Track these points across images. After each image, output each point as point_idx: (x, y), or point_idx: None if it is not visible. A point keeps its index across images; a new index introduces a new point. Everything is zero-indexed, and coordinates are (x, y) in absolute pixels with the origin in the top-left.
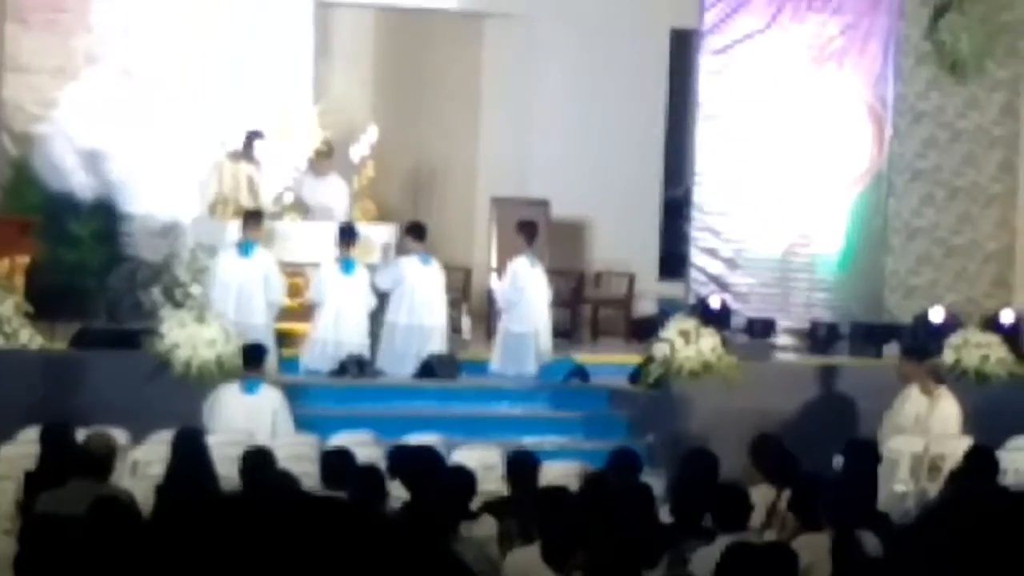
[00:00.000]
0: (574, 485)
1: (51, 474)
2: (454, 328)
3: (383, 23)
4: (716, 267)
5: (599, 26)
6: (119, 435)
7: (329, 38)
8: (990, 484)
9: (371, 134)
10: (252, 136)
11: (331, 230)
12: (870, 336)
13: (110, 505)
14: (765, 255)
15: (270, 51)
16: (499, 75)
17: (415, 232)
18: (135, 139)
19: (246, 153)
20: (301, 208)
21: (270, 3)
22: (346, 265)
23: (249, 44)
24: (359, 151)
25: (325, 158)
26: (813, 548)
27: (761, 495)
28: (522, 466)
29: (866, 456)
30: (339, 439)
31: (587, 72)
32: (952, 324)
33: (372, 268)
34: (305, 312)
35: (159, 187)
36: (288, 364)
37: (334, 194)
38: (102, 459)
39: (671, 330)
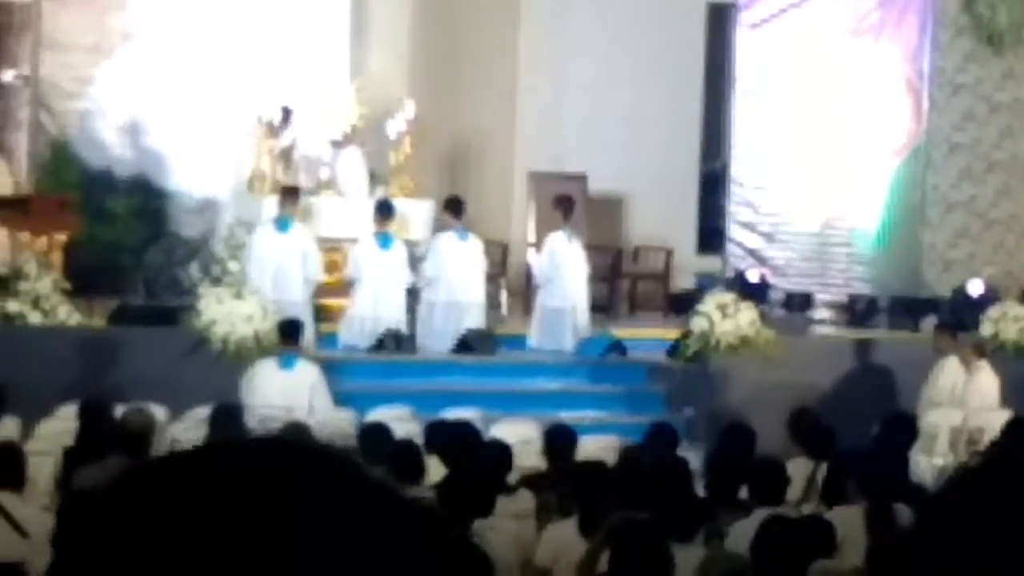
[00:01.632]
0: (611, 459)
1: (89, 450)
2: (492, 303)
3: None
4: (754, 241)
5: (636, 1)
6: (157, 411)
7: (365, 14)
8: None
9: (408, 110)
10: (288, 112)
11: (368, 206)
12: (908, 310)
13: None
14: (803, 229)
15: (306, 27)
16: (535, 49)
17: (453, 207)
18: (172, 116)
19: (282, 128)
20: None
21: None
22: (383, 240)
23: (285, 19)
24: (396, 127)
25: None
26: (848, 521)
27: (798, 468)
28: (560, 441)
29: (903, 429)
30: (377, 414)
31: (624, 47)
32: (990, 297)
33: (410, 243)
34: (342, 288)
35: (196, 164)
36: (326, 340)
37: (352, 166)
38: (141, 435)
39: (709, 304)
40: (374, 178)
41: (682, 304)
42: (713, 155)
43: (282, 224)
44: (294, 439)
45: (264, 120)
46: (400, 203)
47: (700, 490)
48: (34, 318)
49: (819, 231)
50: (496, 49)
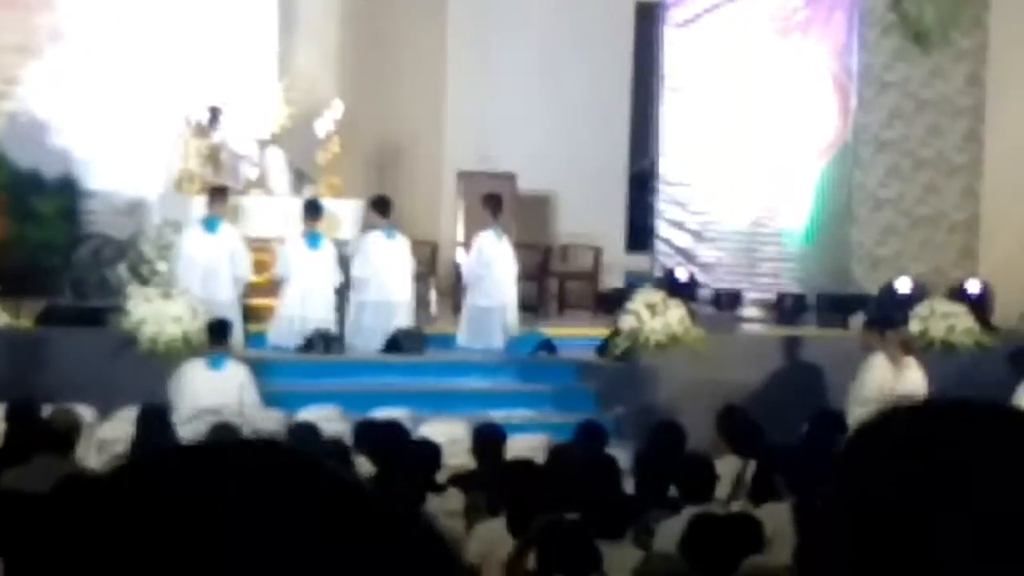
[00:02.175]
0: (541, 458)
1: (16, 451)
2: (421, 303)
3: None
4: (683, 239)
5: (563, 0)
6: (86, 412)
7: (293, 12)
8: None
9: (336, 109)
10: (216, 111)
11: (296, 205)
12: (836, 307)
13: (76, 481)
14: (731, 227)
15: (234, 25)
16: (464, 49)
17: (380, 206)
18: (99, 116)
19: (211, 128)
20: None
21: None
22: (312, 240)
23: (213, 18)
24: (324, 126)
25: None
26: (777, 517)
27: (727, 466)
28: (488, 439)
29: (832, 426)
30: (306, 414)
31: (552, 45)
32: (918, 294)
33: (338, 243)
34: (271, 288)
35: (124, 164)
36: (255, 339)
37: (278, 166)
38: (66, 435)
39: (638, 302)
40: (302, 177)
41: (611, 302)
42: (641, 153)
43: (210, 224)
44: (222, 439)
45: (192, 120)
46: (328, 202)
47: (630, 488)
48: None
49: (748, 229)
50: (424, 48)
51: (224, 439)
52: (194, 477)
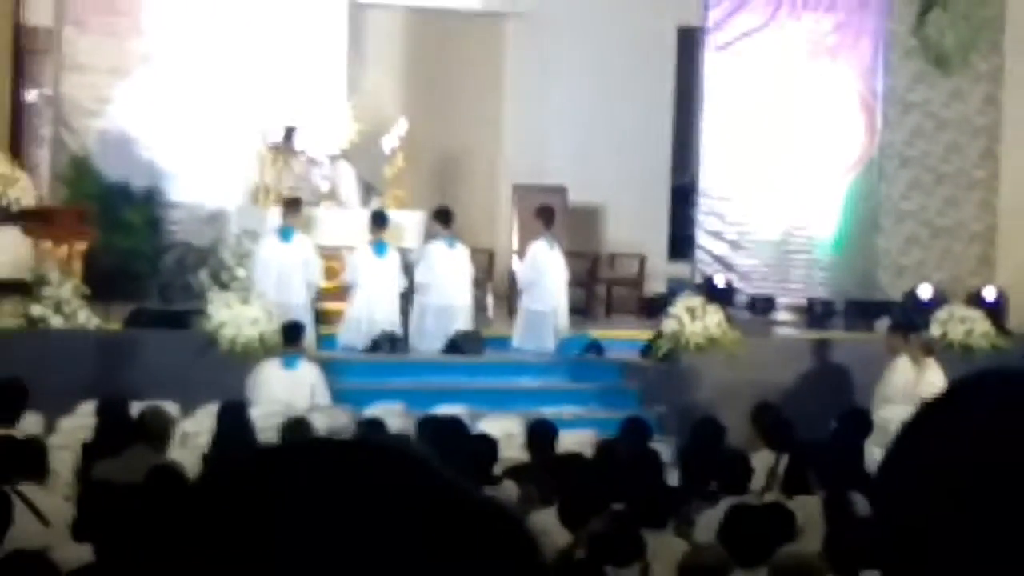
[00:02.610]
0: (589, 452)
1: (107, 444)
2: (479, 307)
3: (412, 22)
4: (720, 249)
5: (610, 24)
6: (170, 408)
7: (362, 37)
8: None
9: (401, 127)
10: (290, 130)
11: (364, 216)
12: (863, 312)
13: (166, 473)
14: (766, 237)
15: (308, 50)
16: (519, 70)
17: (442, 217)
18: (184, 133)
19: (285, 145)
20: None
21: (308, 5)
22: (379, 248)
23: (289, 43)
24: (390, 143)
25: None
26: (807, 509)
27: (762, 460)
28: (541, 435)
29: (858, 423)
30: (372, 410)
31: (600, 67)
32: (939, 300)
33: (403, 251)
34: (341, 292)
35: (205, 177)
36: (326, 341)
37: (347, 179)
38: (160, 431)
39: (679, 307)
40: (369, 190)
41: (654, 307)
42: (683, 169)
43: (285, 233)
44: (299, 433)
45: (269, 137)
46: (394, 213)
47: (672, 480)
48: (56, 321)
49: (780, 239)
50: (483, 70)
51: (301, 436)
52: (291, 476)
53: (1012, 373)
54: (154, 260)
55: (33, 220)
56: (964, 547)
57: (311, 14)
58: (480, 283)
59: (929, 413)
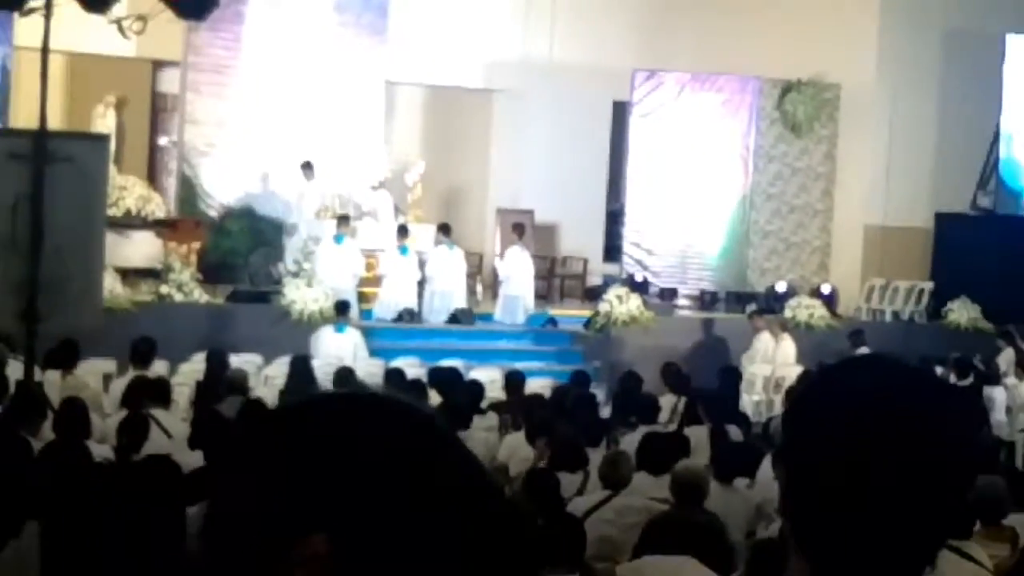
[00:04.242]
0: (547, 393)
1: (213, 383)
2: (470, 291)
3: (428, 95)
4: (639, 255)
5: (565, 98)
6: (256, 359)
7: (394, 104)
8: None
9: (419, 167)
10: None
11: (393, 228)
12: (737, 300)
13: (253, 404)
14: (671, 248)
15: (356, 113)
16: (502, 129)
17: (445, 230)
18: (267, 167)
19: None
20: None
21: (356, 83)
22: (402, 250)
23: (342, 108)
24: (412, 178)
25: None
26: (698, 436)
27: (667, 401)
28: (514, 381)
29: (733, 377)
30: (396, 363)
31: (558, 127)
32: (791, 293)
33: (419, 252)
34: (376, 280)
35: (284, 199)
36: (365, 314)
37: (383, 203)
38: (243, 383)
39: (610, 295)
40: (397, 210)
41: (593, 294)
42: (615, 199)
43: (338, 239)
44: (346, 378)
45: (326, 171)
46: (413, 226)
47: (605, 414)
48: (177, 297)
49: (681, 249)
50: (477, 128)
51: (348, 380)
52: (340, 418)
53: (873, 358)
54: (246, 256)
55: (162, 227)
56: (837, 474)
57: (359, 89)
58: (471, 276)
59: (814, 384)
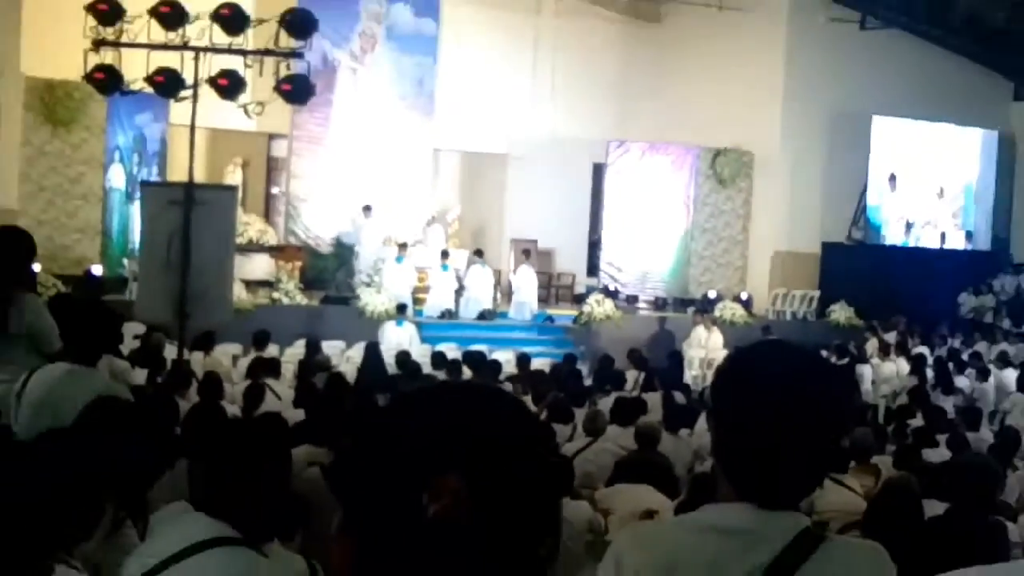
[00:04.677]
0: (547, 369)
1: (309, 363)
2: (493, 297)
3: (464, 157)
4: (612, 271)
5: (561, 161)
6: (340, 344)
7: (438, 166)
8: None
9: (456, 210)
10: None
11: (438, 252)
12: (682, 304)
13: (337, 377)
14: (635, 267)
15: (409, 171)
16: (516, 182)
17: (479, 254)
18: (349, 209)
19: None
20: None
21: (412, 150)
22: (444, 268)
23: (398, 168)
24: (451, 216)
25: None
26: (653, 400)
27: (632, 376)
28: (523, 361)
29: (678, 358)
30: (440, 347)
31: (556, 181)
32: (719, 299)
33: (456, 270)
34: (425, 289)
35: (359, 234)
36: (417, 312)
37: (434, 234)
38: (328, 363)
39: (591, 300)
40: (443, 239)
41: (579, 299)
42: (595, 231)
43: (398, 259)
44: (404, 359)
45: (389, 213)
46: (453, 251)
47: (587, 383)
48: (285, 301)
49: (642, 267)
50: (497, 181)
51: (409, 364)
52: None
53: (776, 343)
54: (333, 272)
55: (274, 251)
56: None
57: (413, 154)
58: (495, 286)
59: (733, 361)
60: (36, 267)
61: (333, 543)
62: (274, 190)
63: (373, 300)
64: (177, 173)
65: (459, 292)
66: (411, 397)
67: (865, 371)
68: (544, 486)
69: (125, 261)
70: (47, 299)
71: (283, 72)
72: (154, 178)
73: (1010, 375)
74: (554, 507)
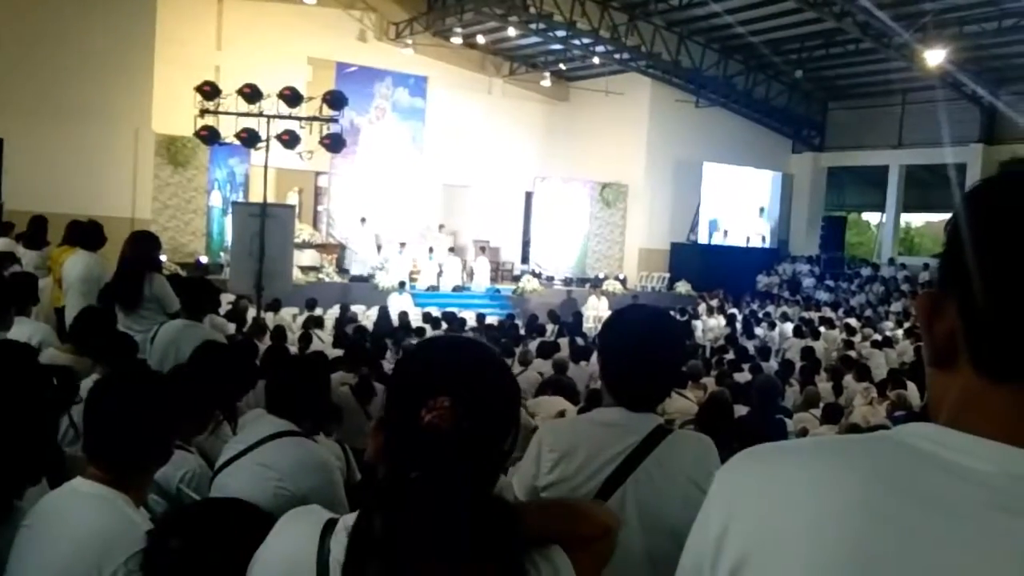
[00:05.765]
0: (496, 323)
1: (343, 319)
2: (462, 277)
3: (444, 188)
4: (539, 260)
5: (506, 189)
6: (363, 307)
7: (449, 201)
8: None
9: (438, 221)
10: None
11: (427, 248)
12: (582, 282)
13: (360, 327)
14: (553, 258)
15: (408, 198)
16: (477, 204)
17: (452, 250)
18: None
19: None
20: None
21: (408, 184)
22: (430, 258)
23: (400, 195)
24: (435, 225)
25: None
26: (563, 343)
27: (551, 328)
28: (480, 318)
29: (579, 317)
30: (427, 309)
31: (502, 202)
32: (606, 278)
33: (440, 264)
34: (418, 271)
35: (353, 236)
36: (412, 287)
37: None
38: (356, 318)
39: (524, 279)
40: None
41: (516, 279)
42: (527, 234)
43: (400, 252)
44: (404, 317)
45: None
46: (436, 247)
47: (522, 332)
48: (325, 279)
49: (557, 260)
50: (467, 205)
51: (407, 321)
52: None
53: (640, 306)
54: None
55: (319, 247)
56: (622, 358)
57: (409, 186)
58: (462, 270)
59: (613, 317)
60: (163, 257)
61: (371, 435)
62: (319, 208)
63: (384, 279)
64: (255, 196)
65: (439, 274)
66: (416, 348)
67: (697, 324)
68: (507, 398)
69: (221, 254)
70: (169, 277)
71: (325, 131)
72: (240, 199)
73: (788, 327)
74: (514, 412)
